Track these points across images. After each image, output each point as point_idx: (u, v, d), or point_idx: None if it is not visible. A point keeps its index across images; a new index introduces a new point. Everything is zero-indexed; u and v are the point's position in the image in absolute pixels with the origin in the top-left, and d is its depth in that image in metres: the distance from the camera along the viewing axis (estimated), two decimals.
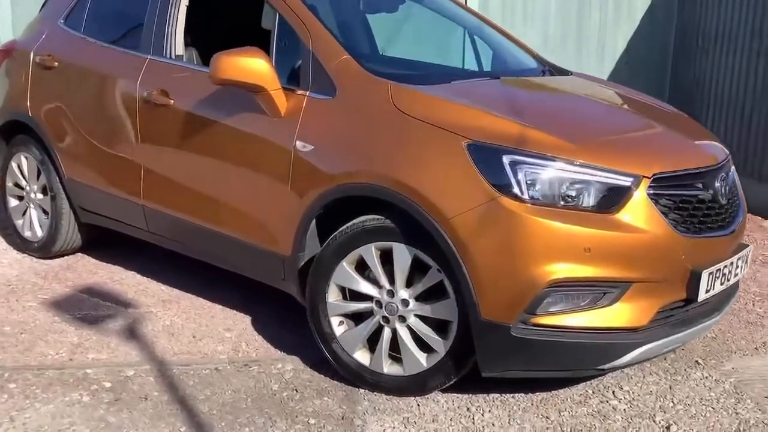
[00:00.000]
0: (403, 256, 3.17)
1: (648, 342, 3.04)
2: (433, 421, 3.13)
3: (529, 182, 2.93)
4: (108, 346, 3.74)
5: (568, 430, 3.09)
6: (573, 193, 2.95)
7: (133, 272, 4.73)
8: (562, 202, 2.94)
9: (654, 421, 3.16)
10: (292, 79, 3.60)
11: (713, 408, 3.28)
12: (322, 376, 3.48)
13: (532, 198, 2.92)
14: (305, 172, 3.42)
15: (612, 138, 3.30)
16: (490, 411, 3.21)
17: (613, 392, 3.38)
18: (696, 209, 3.14)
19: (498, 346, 3.00)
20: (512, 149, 2.97)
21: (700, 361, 3.71)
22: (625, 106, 3.80)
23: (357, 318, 3.38)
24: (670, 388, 3.45)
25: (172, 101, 3.96)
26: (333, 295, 3.36)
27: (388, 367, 3.31)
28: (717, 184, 3.23)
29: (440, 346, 3.19)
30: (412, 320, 3.23)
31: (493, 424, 3.11)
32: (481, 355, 3.05)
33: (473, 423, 3.12)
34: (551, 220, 2.89)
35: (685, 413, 3.23)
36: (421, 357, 3.24)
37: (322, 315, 3.38)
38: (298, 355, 3.67)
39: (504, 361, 3.06)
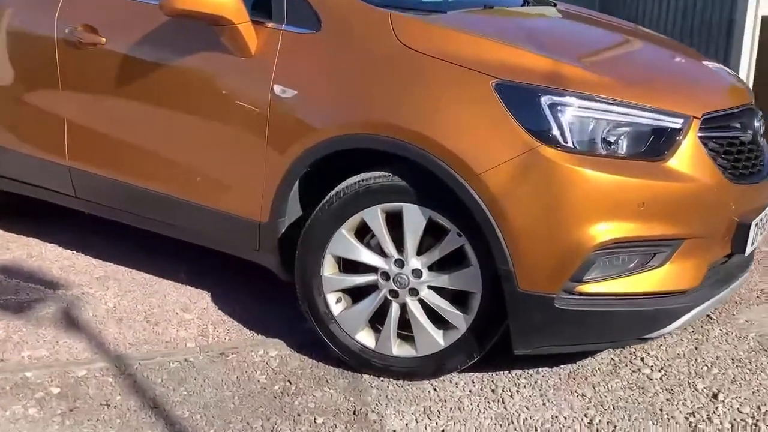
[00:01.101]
0: (415, 218, 2.68)
1: (697, 304, 2.71)
2: (458, 408, 2.70)
3: (572, 128, 2.49)
4: (45, 340, 3.09)
5: (610, 407, 2.73)
6: (621, 139, 2.54)
7: (53, 245, 4.02)
8: (609, 150, 2.52)
9: (697, 390, 2.85)
10: (258, 9, 2.98)
11: (750, 369, 3.01)
12: (314, 361, 2.98)
13: (577, 146, 2.48)
14: (287, 123, 2.85)
15: (651, 74, 2.90)
16: (518, 391, 2.81)
17: (642, 359, 3.05)
18: (739, 153, 2.80)
19: (538, 321, 2.59)
20: (551, 89, 2.52)
21: (711, 316, 3.43)
22: (641, 39, 3.39)
23: (356, 294, 2.88)
24: (696, 349, 3.15)
25: (103, 39, 3.27)
26: (329, 268, 2.85)
27: (398, 349, 2.84)
28: (756, 124, 2.90)
29: (460, 321, 2.74)
30: (426, 293, 2.76)
31: (527, 408, 2.71)
32: (517, 331, 2.63)
33: (505, 408, 2.71)
34: (601, 171, 2.47)
35: (724, 377, 2.94)
36: (437, 335, 2.78)
37: (316, 292, 2.86)
38: (279, 336, 3.14)
39: (544, 336, 2.65)
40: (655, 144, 2.56)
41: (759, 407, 2.74)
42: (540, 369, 2.94)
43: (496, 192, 2.49)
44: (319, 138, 2.77)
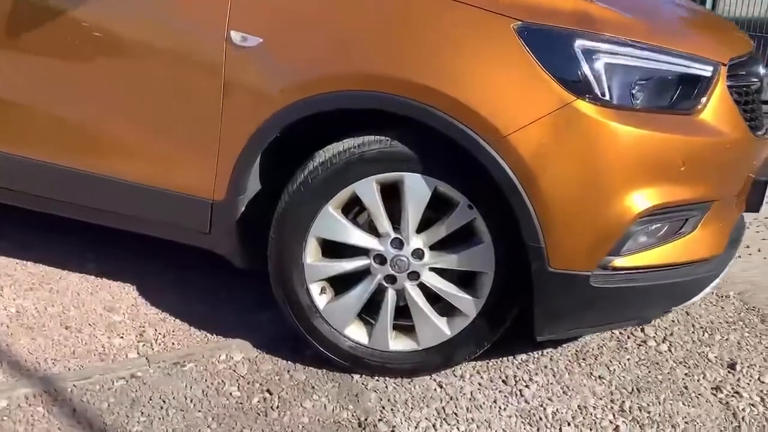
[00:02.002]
0: (418, 190, 2.26)
1: (720, 271, 2.48)
2: (475, 407, 2.34)
3: (610, 78, 2.14)
4: None
5: (634, 389, 2.47)
6: (659, 90, 2.22)
7: None
8: (648, 103, 2.20)
9: (710, 360, 2.65)
10: None
11: (749, 332, 2.87)
12: (289, 363, 2.51)
13: (615, 99, 2.14)
14: (249, 80, 2.33)
15: (673, 17, 2.60)
16: (531, 379, 2.48)
17: (642, 330, 2.81)
18: (753, 102, 2.56)
19: (569, 302, 2.26)
20: (584, 32, 2.15)
21: None
22: None
23: (340, 282, 2.43)
24: (688, 314, 2.96)
25: None
26: (311, 254, 2.37)
27: (395, 342, 2.43)
28: (762, 72, 2.67)
29: (470, 306, 2.37)
30: (428, 276, 2.36)
31: (549, 399, 2.39)
32: (544, 315, 2.29)
33: (526, 401, 2.38)
34: (643, 128, 2.15)
35: (730, 344, 2.77)
36: (442, 323, 2.40)
37: (297, 283, 2.38)
38: (238, 335, 2.63)
39: (573, 319, 2.33)
40: (690, 95, 2.26)
41: None
42: (544, 351, 2.64)
43: (526, 156, 2.11)
44: (294, 97, 2.26)
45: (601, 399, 2.41)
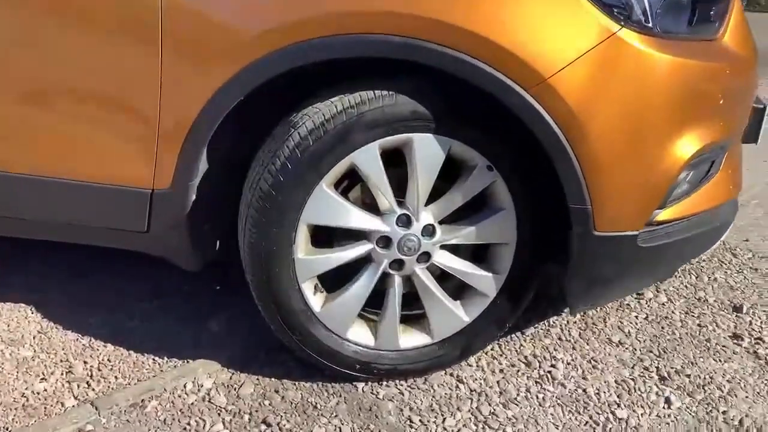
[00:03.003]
0: (430, 153, 1.84)
1: (734, 214, 2.27)
2: (511, 401, 2.00)
3: (651, 1, 1.81)
4: None
5: (660, 352, 2.24)
6: (685, 14, 1.93)
7: None
8: (682, 30, 1.91)
9: (713, 306, 2.49)
10: None
11: (732, 270, 2.74)
12: (274, 380, 2.03)
13: (658, 27, 1.82)
14: (198, 29, 1.77)
15: None
16: (554, 357, 2.18)
17: None
18: None
19: (613, 268, 1.95)
20: None
21: None
22: None
23: (334, 276, 1.97)
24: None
25: None
26: (303, 247, 1.88)
27: (405, 339, 2.02)
28: None
29: (489, 284, 2.01)
30: (439, 256, 1.96)
31: (584, 378, 2.10)
32: (582, 286, 1.97)
33: (562, 385, 2.06)
34: (687, 58, 1.85)
35: (720, 285, 2.63)
36: (457, 308, 2.02)
37: (286, 284, 1.89)
38: (196, 353, 2.11)
39: (613, 286, 2.03)
40: (712, 16, 2.00)
41: None
42: (549, 320, 2.34)
43: (572, 102, 1.74)
44: (274, 45, 1.74)
45: (633, 368, 2.14)
